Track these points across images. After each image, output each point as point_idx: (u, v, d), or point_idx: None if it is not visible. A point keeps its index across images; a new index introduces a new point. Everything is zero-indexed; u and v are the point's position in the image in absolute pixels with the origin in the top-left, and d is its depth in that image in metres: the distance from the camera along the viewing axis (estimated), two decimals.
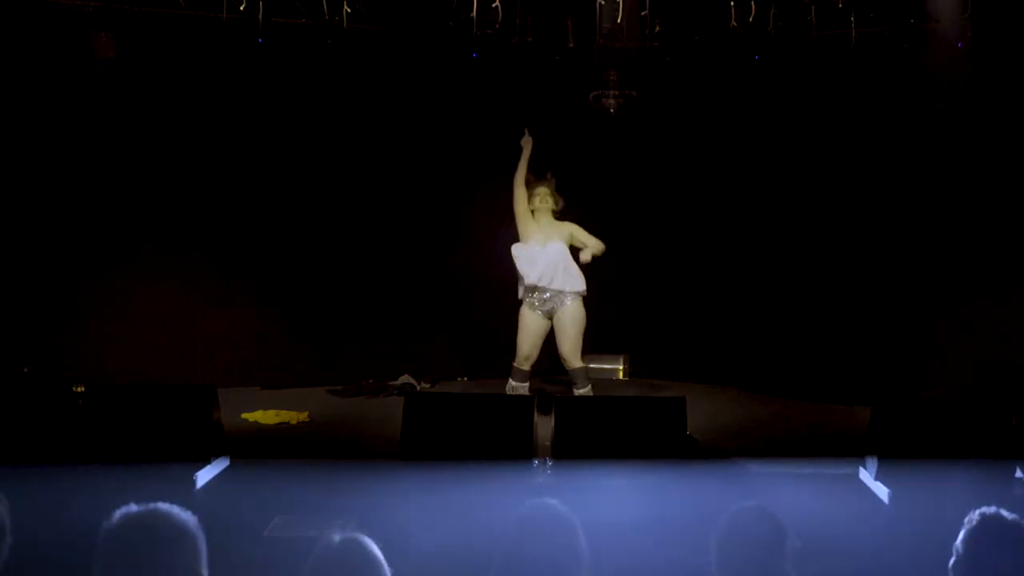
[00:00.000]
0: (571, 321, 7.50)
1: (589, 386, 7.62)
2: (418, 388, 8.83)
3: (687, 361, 9.57)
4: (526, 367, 7.62)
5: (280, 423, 7.58)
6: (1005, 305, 8.19)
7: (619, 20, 7.91)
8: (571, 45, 8.72)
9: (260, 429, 7.43)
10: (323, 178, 9.10)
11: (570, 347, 7.52)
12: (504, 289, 8.08)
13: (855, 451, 6.38)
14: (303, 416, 7.75)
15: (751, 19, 8.22)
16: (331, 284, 9.15)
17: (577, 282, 7.51)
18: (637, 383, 9.48)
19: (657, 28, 8.49)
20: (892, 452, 5.98)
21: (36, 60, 8.11)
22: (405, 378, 8.99)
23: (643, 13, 8.28)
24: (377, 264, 9.27)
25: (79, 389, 6.71)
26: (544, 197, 7.63)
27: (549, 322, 7.60)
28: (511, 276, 7.78)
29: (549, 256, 7.46)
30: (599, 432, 6.08)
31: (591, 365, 9.67)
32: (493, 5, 7.95)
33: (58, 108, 8.26)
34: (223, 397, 6.55)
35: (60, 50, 8.05)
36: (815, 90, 8.69)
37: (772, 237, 9.17)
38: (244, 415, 7.61)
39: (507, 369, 7.79)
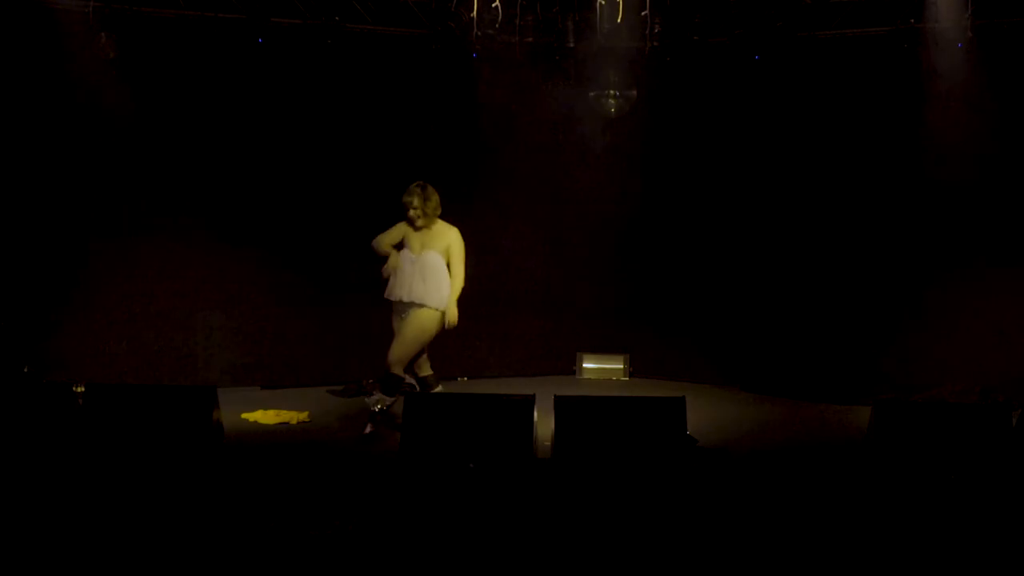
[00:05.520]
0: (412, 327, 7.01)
1: (384, 399, 7.02)
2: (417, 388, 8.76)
3: (687, 361, 9.56)
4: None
5: (280, 423, 7.56)
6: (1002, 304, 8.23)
7: (619, 20, 7.92)
8: (571, 45, 8.71)
9: (260, 429, 7.41)
10: (323, 177, 9.10)
11: (400, 352, 7.06)
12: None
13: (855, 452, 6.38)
14: (303, 416, 7.73)
15: (751, 20, 8.24)
16: (332, 283, 9.13)
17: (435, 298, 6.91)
18: (638, 383, 9.48)
19: (657, 28, 8.48)
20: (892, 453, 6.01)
21: (35, 60, 8.11)
22: (407, 378, 8.94)
23: (643, 13, 8.30)
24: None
25: (79, 389, 6.71)
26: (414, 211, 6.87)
27: None
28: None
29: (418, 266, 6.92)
30: (600, 433, 6.07)
31: (592, 365, 9.74)
32: (493, 5, 7.94)
33: (58, 107, 8.25)
34: (223, 397, 6.57)
35: (59, 49, 8.06)
36: (814, 90, 8.72)
37: (771, 236, 9.16)
38: (244, 415, 7.60)
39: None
